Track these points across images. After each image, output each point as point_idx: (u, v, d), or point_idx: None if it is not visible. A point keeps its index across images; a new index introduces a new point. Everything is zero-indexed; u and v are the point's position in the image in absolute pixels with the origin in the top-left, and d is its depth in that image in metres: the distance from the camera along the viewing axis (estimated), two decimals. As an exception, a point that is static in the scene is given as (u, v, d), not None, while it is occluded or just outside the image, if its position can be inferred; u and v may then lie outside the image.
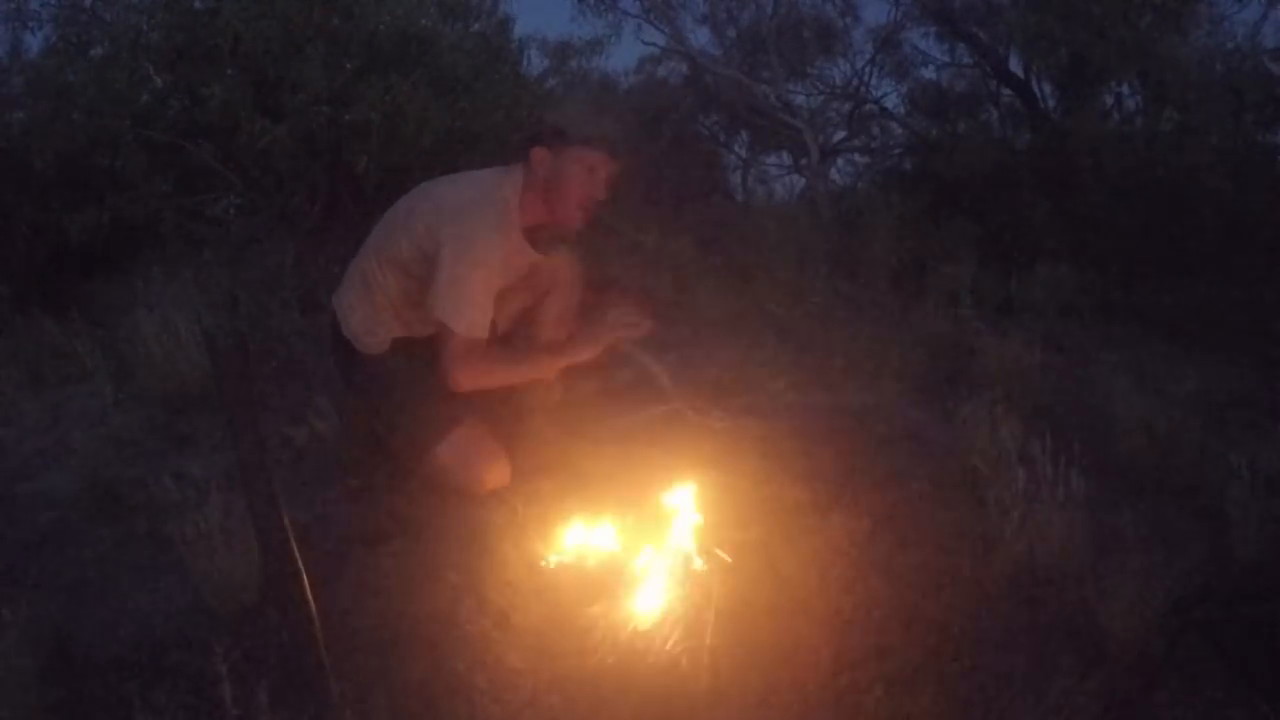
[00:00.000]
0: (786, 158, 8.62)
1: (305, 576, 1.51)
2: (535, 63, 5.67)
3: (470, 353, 2.19)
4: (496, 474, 2.34)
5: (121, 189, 4.18)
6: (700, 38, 9.83)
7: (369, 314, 2.36)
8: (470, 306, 2.17)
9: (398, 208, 2.37)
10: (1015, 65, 6.25)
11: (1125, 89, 5.74)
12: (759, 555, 2.09)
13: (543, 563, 2.10)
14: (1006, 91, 6.66)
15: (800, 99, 7.71)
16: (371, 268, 2.34)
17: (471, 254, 2.16)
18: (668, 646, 1.82)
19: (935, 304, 3.94)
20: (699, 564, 2.02)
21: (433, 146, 3.97)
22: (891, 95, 8.07)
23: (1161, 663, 1.70)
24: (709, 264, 4.86)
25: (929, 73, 7.56)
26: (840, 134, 7.92)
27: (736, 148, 8.94)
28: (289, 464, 2.68)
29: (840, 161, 8.06)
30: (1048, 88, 6.22)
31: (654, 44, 7.91)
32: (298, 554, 1.50)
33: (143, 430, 3.06)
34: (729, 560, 2.04)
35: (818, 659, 1.80)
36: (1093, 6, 5.10)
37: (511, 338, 2.63)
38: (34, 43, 4.50)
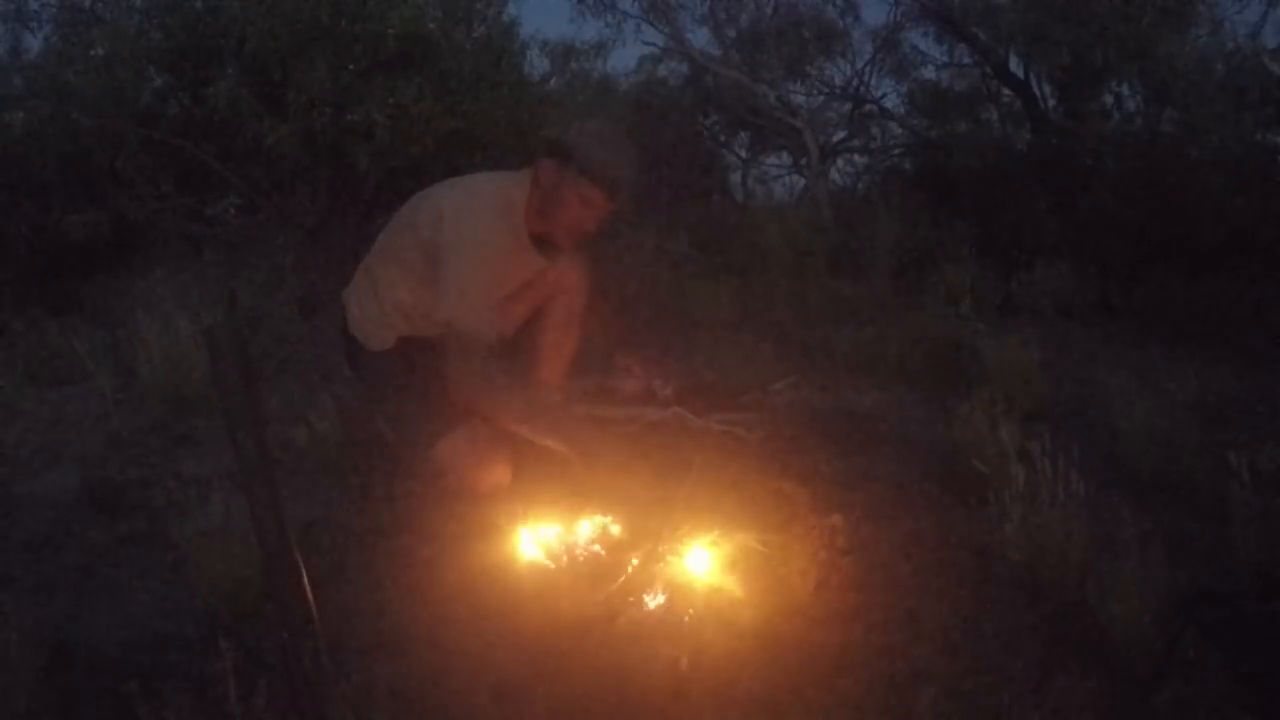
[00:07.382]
0: (786, 158, 8.62)
1: (305, 576, 1.51)
2: (536, 64, 5.67)
3: (474, 353, 2.16)
4: (496, 474, 2.34)
5: (122, 189, 4.18)
6: (700, 38, 9.84)
7: (375, 312, 2.37)
8: (475, 306, 2.15)
9: (405, 207, 2.37)
10: (1015, 65, 6.26)
11: (1125, 89, 5.75)
12: (759, 556, 2.09)
13: (542, 563, 2.10)
14: (1006, 91, 6.66)
15: (800, 99, 7.71)
16: (378, 266, 2.35)
17: (473, 254, 2.16)
18: (666, 647, 1.82)
19: (935, 304, 3.95)
20: (698, 565, 2.02)
21: (434, 148, 3.96)
22: (891, 95, 8.08)
23: (1161, 663, 1.69)
24: (709, 264, 4.86)
25: (929, 73, 7.59)
26: (840, 134, 7.93)
27: (736, 148, 8.95)
28: (289, 464, 2.68)
29: (840, 161, 8.08)
30: (1048, 88, 6.22)
31: (654, 44, 7.93)
32: (298, 554, 1.50)
33: (143, 430, 3.06)
34: (729, 561, 2.04)
35: (818, 659, 1.80)
36: (1093, 6, 5.11)
37: (518, 341, 2.63)
38: (34, 43, 4.51)
